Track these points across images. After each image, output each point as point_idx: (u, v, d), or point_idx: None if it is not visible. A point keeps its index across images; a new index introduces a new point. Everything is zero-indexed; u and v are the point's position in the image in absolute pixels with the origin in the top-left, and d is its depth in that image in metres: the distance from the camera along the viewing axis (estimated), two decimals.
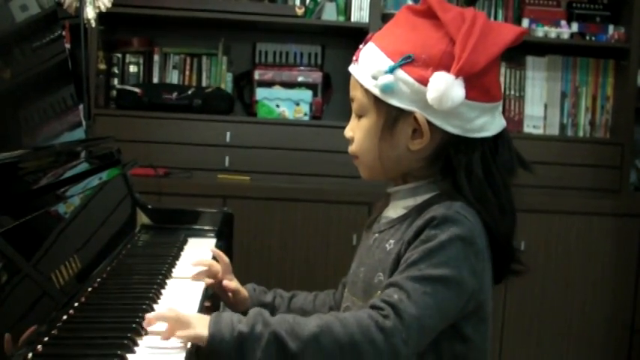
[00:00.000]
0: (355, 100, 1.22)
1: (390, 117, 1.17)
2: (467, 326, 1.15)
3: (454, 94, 1.11)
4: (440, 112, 1.14)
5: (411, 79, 1.14)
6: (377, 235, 1.25)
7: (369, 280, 1.20)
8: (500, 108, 1.21)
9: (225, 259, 1.45)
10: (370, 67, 1.18)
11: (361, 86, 1.20)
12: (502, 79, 3.22)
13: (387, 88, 1.15)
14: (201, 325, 1.05)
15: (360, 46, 1.23)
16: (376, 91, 1.17)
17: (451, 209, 1.13)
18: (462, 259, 1.10)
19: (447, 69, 1.12)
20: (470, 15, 1.15)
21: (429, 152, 1.18)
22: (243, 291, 1.42)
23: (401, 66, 1.15)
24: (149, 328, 1.10)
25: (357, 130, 1.23)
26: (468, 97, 1.13)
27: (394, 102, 1.16)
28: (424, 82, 1.13)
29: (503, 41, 1.16)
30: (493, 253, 1.17)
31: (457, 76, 1.11)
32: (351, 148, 1.25)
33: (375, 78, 1.17)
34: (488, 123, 1.17)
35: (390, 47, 1.17)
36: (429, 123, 1.15)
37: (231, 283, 1.42)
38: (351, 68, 1.23)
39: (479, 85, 1.14)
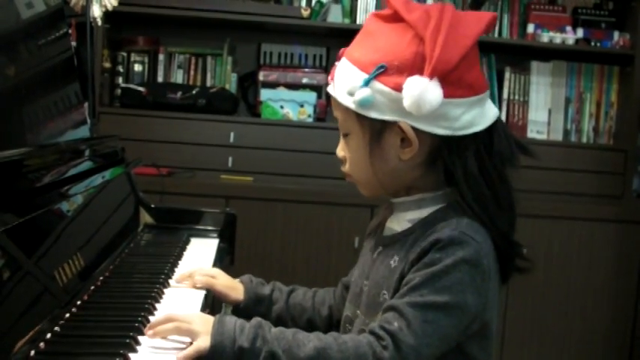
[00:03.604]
0: (339, 120, 1.18)
1: (374, 131, 1.12)
2: (472, 346, 1.12)
3: (431, 97, 1.06)
4: (423, 117, 1.09)
5: (387, 89, 1.09)
6: (381, 248, 1.21)
7: (374, 297, 1.17)
8: (488, 98, 1.14)
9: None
10: (345, 84, 1.13)
11: (340, 105, 1.15)
12: (506, 84, 3.23)
13: (365, 102, 1.10)
14: (204, 334, 1.04)
15: (335, 63, 1.18)
16: (355, 107, 1.12)
17: (457, 230, 1.08)
18: (467, 283, 1.06)
19: (422, 71, 1.07)
20: (436, 11, 1.10)
21: (422, 158, 1.14)
22: (221, 288, 1.39)
23: (375, 77, 1.09)
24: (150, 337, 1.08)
25: (346, 150, 1.19)
26: (448, 95, 1.07)
27: (375, 115, 1.11)
28: (400, 89, 1.08)
29: (474, 32, 1.10)
30: (496, 252, 1.13)
31: (431, 77, 1.06)
32: (344, 168, 1.21)
33: (351, 94, 1.11)
34: (478, 116, 1.12)
35: (362, 59, 1.12)
36: (416, 129, 1.10)
37: (201, 279, 1.38)
38: (329, 88, 1.19)
39: (458, 81, 1.09)
